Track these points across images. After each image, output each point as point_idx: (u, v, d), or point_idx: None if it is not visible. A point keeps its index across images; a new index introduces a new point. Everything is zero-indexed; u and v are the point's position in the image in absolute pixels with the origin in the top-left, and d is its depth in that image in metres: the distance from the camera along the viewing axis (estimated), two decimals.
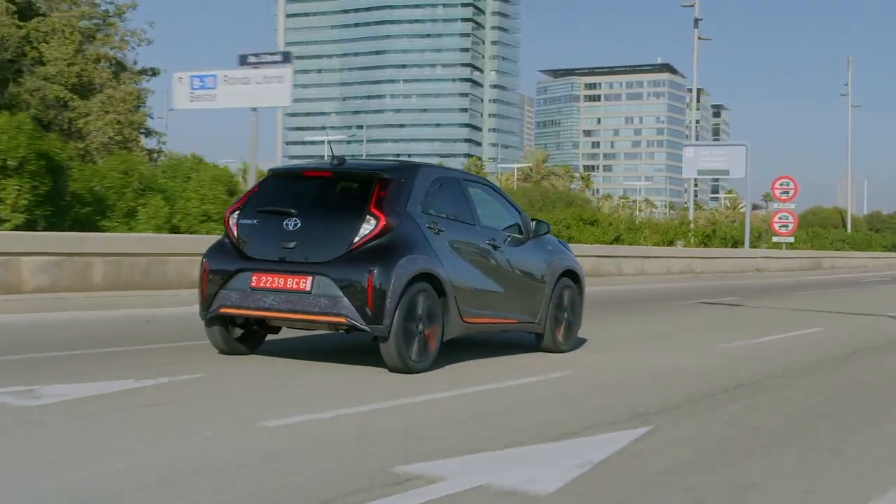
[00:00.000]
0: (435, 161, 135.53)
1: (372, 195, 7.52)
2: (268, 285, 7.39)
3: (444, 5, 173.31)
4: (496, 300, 8.47)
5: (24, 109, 24.23)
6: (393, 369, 7.43)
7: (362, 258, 7.29)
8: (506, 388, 7.17)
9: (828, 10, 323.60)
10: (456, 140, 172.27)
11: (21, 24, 27.08)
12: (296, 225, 7.50)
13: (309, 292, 7.26)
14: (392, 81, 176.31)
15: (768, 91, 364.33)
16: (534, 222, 9.23)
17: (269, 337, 8.50)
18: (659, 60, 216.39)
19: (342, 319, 7.22)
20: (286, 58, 16.56)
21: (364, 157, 10.43)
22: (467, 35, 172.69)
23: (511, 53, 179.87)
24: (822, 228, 63.07)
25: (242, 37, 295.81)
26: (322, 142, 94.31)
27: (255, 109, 17.43)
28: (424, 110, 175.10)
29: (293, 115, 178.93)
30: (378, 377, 7.35)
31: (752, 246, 42.59)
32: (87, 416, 5.44)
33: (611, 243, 31.31)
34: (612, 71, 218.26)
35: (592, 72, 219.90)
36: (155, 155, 29.39)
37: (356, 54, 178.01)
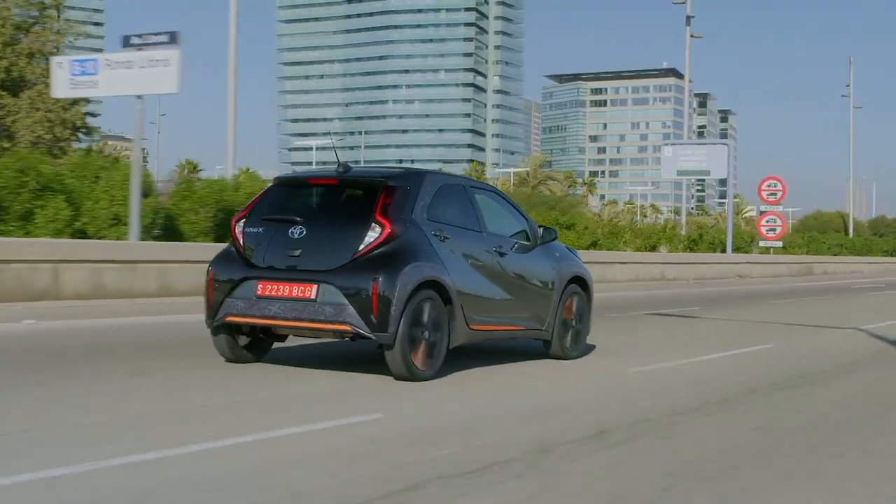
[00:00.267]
0: (438, 167, 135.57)
1: (377, 203, 7.51)
2: (273, 293, 7.40)
3: (447, 10, 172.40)
4: (503, 307, 8.45)
5: None
6: (398, 377, 7.40)
7: (367, 266, 7.26)
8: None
9: (832, 10, 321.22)
10: (459, 146, 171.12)
11: None
12: (301, 233, 7.50)
13: (314, 300, 7.26)
14: (395, 87, 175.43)
15: (775, 94, 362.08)
16: (541, 229, 9.16)
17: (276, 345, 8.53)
18: (665, 65, 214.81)
19: (347, 327, 7.20)
20: (173, 38, 14.86)
21: (363, 164, 9.53)
22: (470, 40, 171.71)
23: (514, 58, 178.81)
24: (819, 233, 61.02)
25: (242, 37, 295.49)
26: (314, 147, 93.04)
27: (140, 97, 15.73)
28: (427, 116, 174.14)
29: (295, 121, 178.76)
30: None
31: (743, 251, 40.70)
32: None
33: (587, 248, 29.62)
34: (617, 76, 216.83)
35: (598, 77, 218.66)
36: (95, 154, 27.74)
37: (359, 60, 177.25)
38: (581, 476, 4.75)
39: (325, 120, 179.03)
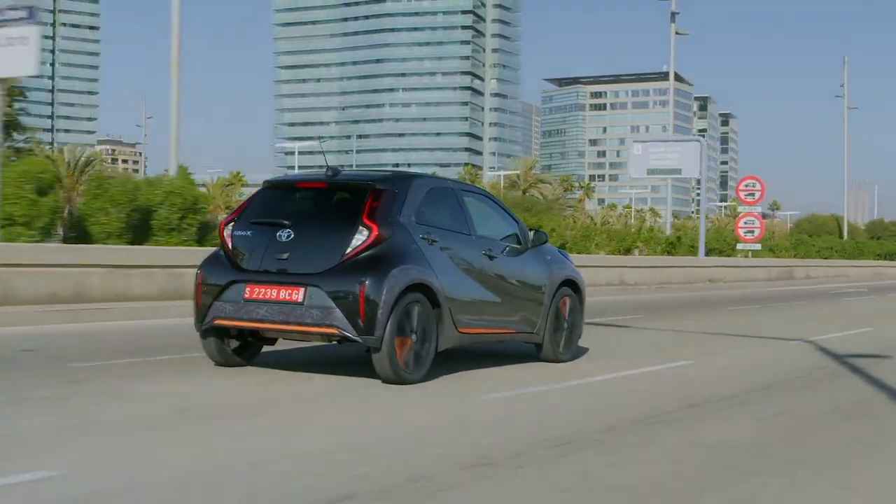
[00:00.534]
0: (433, 171, 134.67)
1: (365, 206, 7.52)
2: (261, 297, 7.41)
3: (444, 13, 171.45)
4: (493, 310, 8.44)
5: None
6: (386, 380, 7.40)
7: (354, 269, 7.27)
8: None
9: (833, 11, 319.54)
10: (456, 149, 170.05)
11: None
12: (289, 236, 7.51)
13: (301, 303, 7.26)
14: (391, 90, 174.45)
15: (776, 97, 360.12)
16: (531, 232, 9.11)
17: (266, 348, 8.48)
18: (665, 68, 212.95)
19: (334, 330, 7.22)
20: (31, 14, 13.45)
21: (354, 167, 8.91)
22: (467, 43, 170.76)
23: (512, 61, 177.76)
24: (811, 236, 59.40)
25: (239, 40, 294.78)
26: (297, 151, 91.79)
27: None
28: (424, 119, 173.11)
29: (291, 124, 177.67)
30: None
31: (725, 255, 39.18)
32: None
33: None
34: (617, 79, 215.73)
35: (597, 80, 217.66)
36: (25, 154, 26.44)
37: (355, 63, 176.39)
38: None
39: (321, 123, 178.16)
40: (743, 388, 8.21)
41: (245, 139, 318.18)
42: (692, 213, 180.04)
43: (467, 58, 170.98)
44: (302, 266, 7.42)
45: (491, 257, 8.46)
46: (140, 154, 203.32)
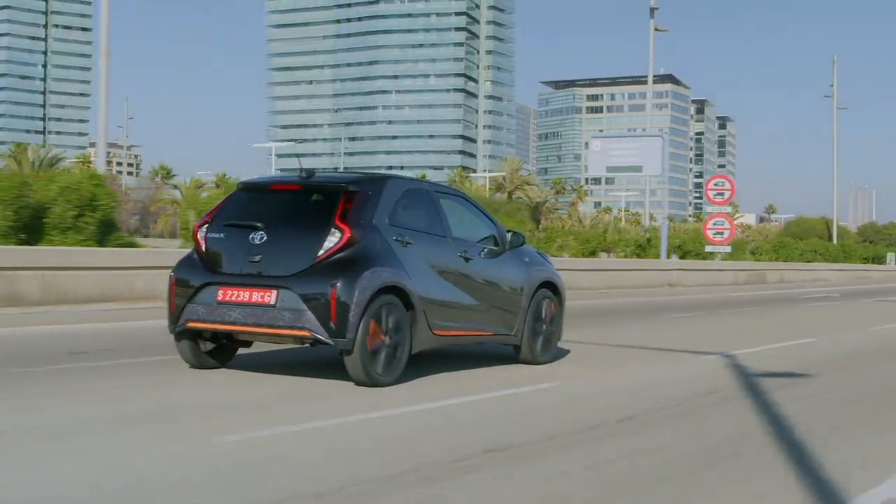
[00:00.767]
0: (428, 173, 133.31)
1: (337, 208, 7.52)
2: (233, 299, 7.42)
3: (438, 14, 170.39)
4: (469, 313, 8.43)
5: None
6: (358, 383, 7.40)
7: (326, 271, 7.28)
8: None
9: (835, 13, 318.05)
10: (450, 152, 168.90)
11: None
12: (262, 238, 7.50)
13: (273, 306, 7.26)
14: (385, 92, 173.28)
15: (775, 100, 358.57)
16: (509, 234, 9.06)
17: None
18: (662, 71, 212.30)
19: (306, 333, 7.21)
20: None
21: (345, 170, 8.90)
22: (461, 44, 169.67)
23: (506, 63, 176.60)
24: (792, 238, 57.77)
25: (233, 43, 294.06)
26: (273, 153, 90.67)
27: None
28: (418, 121, 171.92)
29: (285, 127, 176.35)
30: None
31: (701, 258, 37.59)
32: None
33: None
34: (613, 82, 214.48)
35: (594, 83, 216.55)
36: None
37: (349, 65, 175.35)
38: None
39: (314, 125, 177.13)
40: (605, 418, 6.68)
41: (238, 141, 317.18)
42: (689, 216, 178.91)
43: (461, 60, 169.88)
44: (274, 268, 7.41)
45: (467, 259, 8.42)
46: (136, 157, 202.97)
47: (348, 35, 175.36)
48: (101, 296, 14.87)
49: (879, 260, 65.55)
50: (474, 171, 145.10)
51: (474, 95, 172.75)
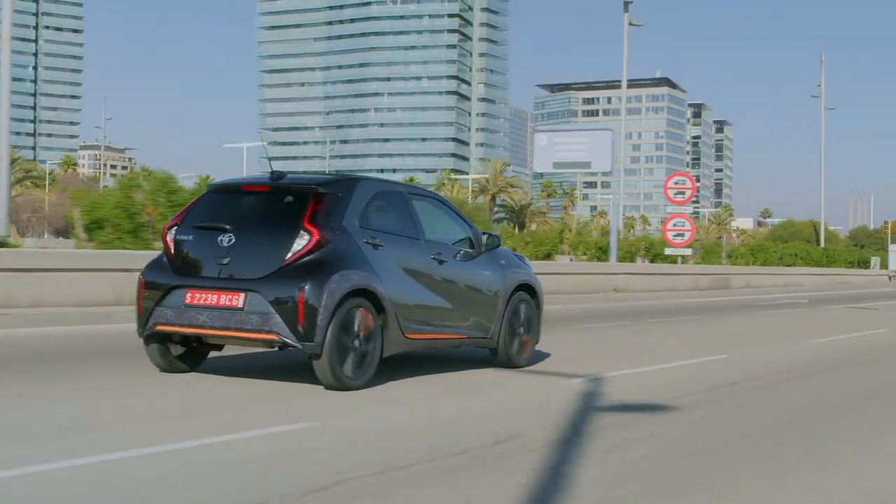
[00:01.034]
0: (421, 176, 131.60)
1: (307, 210, 7.45)
2: (201, 302, 7.35)
3: (430, 16, 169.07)
4: (442, 316, 8.35)
5: None
6: (328, 387, 7.32)
7: (295, 274, 7.19)
8: None
9: (836, 14, 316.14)
10: (442, 155, 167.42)
11: None
12: (230, 241, 7.42)
13: (241, 309, 7.20)
14: (377, 94, 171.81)
15: (773, 104, 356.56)
16: (485, 236, 8.98)
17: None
18: (658, 74, 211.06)
19: (274, 336, 7.14)
20: None
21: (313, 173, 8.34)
22: (454, 47, 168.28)
23: (500, 66, 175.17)
24: (772, 242, 55.57)
25: (225, 46, 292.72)
26: (245, 149, 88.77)
27: None
28: (410, 124, 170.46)
29: (276, 129, 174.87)
30: None
31: (670, 261, 35.41)
32: None
33: None
34: (609, 85, 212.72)
35: (590, 86, 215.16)
36: None
37: (340, 67, 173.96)
38: None
39: (306, 128, 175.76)
40: (353, 474, 4.83)
41: (238, 143, 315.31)
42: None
43: (454, 62, 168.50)
44: (243, 271, 7.32)
45: (441, 262, 8.34)
46: (130, 159, 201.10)
47: (340, 37, 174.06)
48: None
49: (865, 264, 63.38)
50: (467, 174, 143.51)
51: (467, 98, 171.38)
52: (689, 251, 34.17)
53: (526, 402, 7.76)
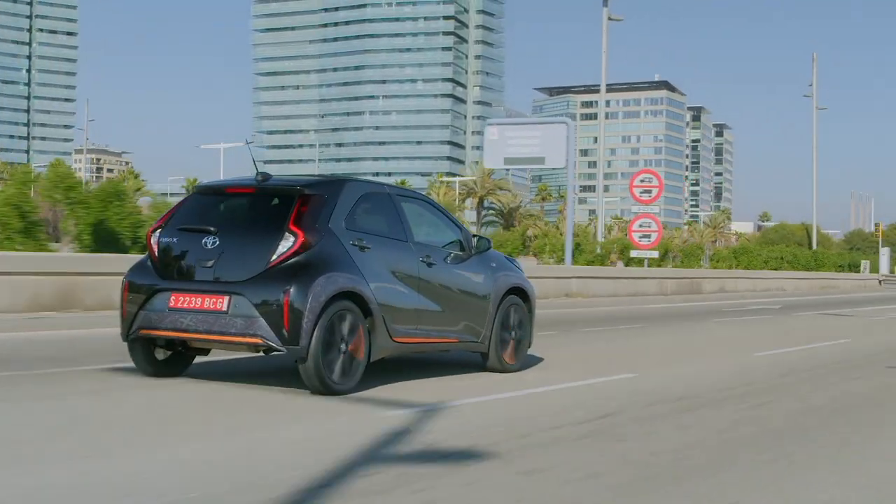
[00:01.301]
0: (416, 179, 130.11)
1: (292, 211, 7.34)
2: (185, 306, 7.23)
3: (426, 18, 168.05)
4: (431, 319, 8.21)
5: None
6: (314, 391, 7.24)
7: (279, 277, 7.08)
8: None
9: (836, 15, 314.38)
10: (437, 158, 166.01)
11: None
12: (214, 243, 7.32)
13: (225, 312, 7.08)
14: (372, 97, 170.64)
15: (772, 107, 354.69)
16: (475, 238, 8.89)
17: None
18: (656, 77, 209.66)
19: (258, 340, 7.04)
20: None
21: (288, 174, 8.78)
22: (449, 49, 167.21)
23: (495, 68, 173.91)
24: (756, 245, 53.75)
25: (220, 48, 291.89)
26: (222, 148, 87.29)
27: None
28: (405, 127, 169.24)
29: (271, 132, 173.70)
30: None
31: (638, 264, 33.57)
32: None
33: None
34: (608, 89, 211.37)
35: (588, 90, 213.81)
36: None
37: (335, 70, 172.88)
38: None
39: (301, 131, 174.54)
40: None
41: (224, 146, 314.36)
42: (683, 224, 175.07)
43: (449, 64, 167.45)
44: (227, 274, 7.21)
45: (430, 264, 8.22)
46: (127, 163, 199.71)
47: (335, 39, 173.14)
48: None
49: (855, 268, 61.56)
50: (462, 176, 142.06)
51: (462, 101, 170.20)
52: (655, 253, 32.18)
53: (321, 443, 6.02)
